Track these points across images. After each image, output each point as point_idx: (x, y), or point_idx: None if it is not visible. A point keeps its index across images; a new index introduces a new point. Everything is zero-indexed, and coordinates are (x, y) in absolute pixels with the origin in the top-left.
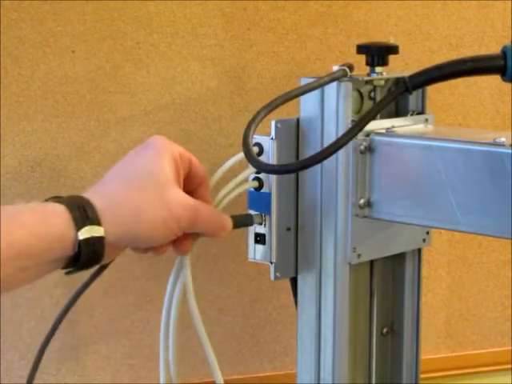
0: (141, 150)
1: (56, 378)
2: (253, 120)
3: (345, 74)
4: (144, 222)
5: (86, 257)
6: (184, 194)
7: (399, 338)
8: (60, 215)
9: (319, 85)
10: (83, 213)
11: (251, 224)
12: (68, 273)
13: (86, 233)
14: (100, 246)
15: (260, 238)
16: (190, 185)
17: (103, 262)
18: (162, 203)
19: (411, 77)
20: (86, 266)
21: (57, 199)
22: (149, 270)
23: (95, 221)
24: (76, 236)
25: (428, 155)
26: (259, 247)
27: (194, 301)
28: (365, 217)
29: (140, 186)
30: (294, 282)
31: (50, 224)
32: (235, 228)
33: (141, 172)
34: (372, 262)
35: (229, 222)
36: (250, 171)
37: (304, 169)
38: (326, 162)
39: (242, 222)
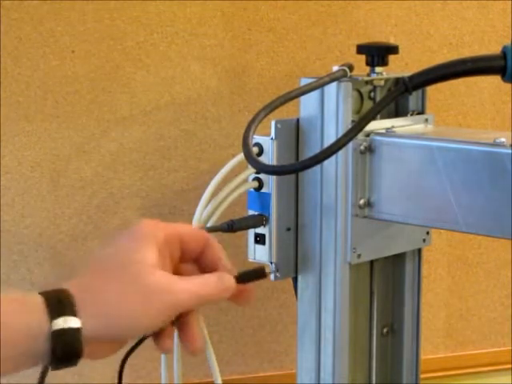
0: (123, 238)
1: (56, 378)
2: (253, 120)
3: (345, 74)
4: (124, 313)
5: (61, 349)
6: (169, 278)
7: (399, 338)
8: (36, 306)
9: (319, 85)
10: (59, 304)
11: (264, 276)
12: (53, 369)
13: (59, 324)
14: (76, 338)
15: (260, 238)
16: (189, 258)
17: (94, 358)
18: (141, 293)
19: (411, 77)
20: (63, 360)
21: (41, 292)
22: None
23: (71, 312)
24: (50, 328)
25: (428, 155)
26: (259, 247)
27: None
28: (365, 217)
29: (119, 276)
30: (296, 281)
31: (23, 315)
32: (244, 283)
33: (120, 262)
34: (372, 262)
35: (230, 284)
36: (250, 171)
37: (304, 169)
38: (325, 163)
39: (252, 276)
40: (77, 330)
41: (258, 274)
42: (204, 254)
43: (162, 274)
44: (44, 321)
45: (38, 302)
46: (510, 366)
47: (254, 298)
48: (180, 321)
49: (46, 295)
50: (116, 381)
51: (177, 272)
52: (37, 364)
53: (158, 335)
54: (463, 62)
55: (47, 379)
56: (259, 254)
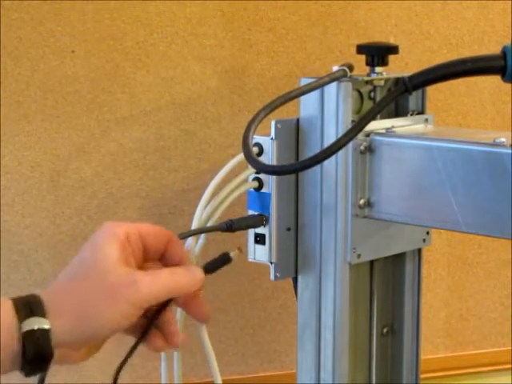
0: (88, 242)
1: (56, 378)
2: (253, 120)
3: (345, 74)
4: (91, 313)
5: (32, 350)
6: (132, 273)
7: (399, 338)
8: (6, 309)
9: (319, 85)
10: (28, 307)
11: (230, 261)
12: (26, 374)
13: (29, 325)
14: (46, 338)
15: (260, 238)
16: (153, 256)
17: (69, 362)
18: (105, 291)
19: (411, 77)
20: (34, 361)
21: (12, 297)
22: None
23: (40, 314)
24: (19, 329)
25: (428, 155)
26: (259, 247)
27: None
28: (365, 217)
29: (84, 278)
30: (296, 281)
31: None
32: (212, 273)
33: (85, 264)
34: (372, 262)
35: (199, 274)
36: (250, 171)
37: (304, 169)
38: (325, 163)
39: (218, 263)
40: (46, 331)
41: (223, 260)
42: (167, 251)
43: (125, 270)
44: (14, 323)
45: (8, 305)
46: (509, 366)
47: (209, 315)
48: (158, 317)
49: (15, 300)
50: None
51: (142, 270)
52: (12, 368)
53: (146, 337)
54: (463, 61)
55: (47, 379)
56: (259, 254)
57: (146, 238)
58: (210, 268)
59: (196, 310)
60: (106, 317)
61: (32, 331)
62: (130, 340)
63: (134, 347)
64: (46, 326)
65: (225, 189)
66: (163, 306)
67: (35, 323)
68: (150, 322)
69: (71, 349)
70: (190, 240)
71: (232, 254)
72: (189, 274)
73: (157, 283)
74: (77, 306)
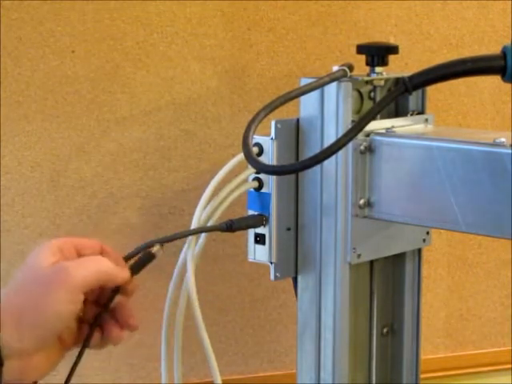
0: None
1: (56, 378)
2: (253, 120)
3: (345, 74)
4: (33, 310)
5: None
6: (59, 262)
7: (399, 338)
8: None
9: (319, 85)
10: None
11: (153, 257)
12: None
13: None
14: None
15: (260, 238)
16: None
17: (29, 379)
18: (40, 285)
19: (411, 77)
20: None
21: None
22: (149, 270)
23: None
24: None
25: (428, 155)
26: (259, 247)
27: (196, 302)
28: (365, 217)
29: (21, 284)
30: (296, 281)
31: None
32: (138, 273)
33: (21, 275)
34: (372, 262)
35: (124, 268)
36: (250, 171)
37: (304, 169)
38: (325, 163)
39: (142, 263)
40: None
41: (146, 258)
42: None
43: (54, 263)
44: None
45: None
46: (509, 366)
47: (137, 325)
48: (112, 307)
49: None
50: (116, 381)
51: None
52: None
53: (103, 329)
54: (463, 61)
55: (47, 379)
56: (259, 254)
57: (81, 250)
58: (135, 268)
59: (124, 316)
60: (47, 309)
61: None
62: (130, 340)
63: (87, 339)
64: None
65: (225, 189)
66: (104, 306)
67: None
68: (97, 317)
69: (28, 354)
70: (190, 240)
71: (154, 250)
72: (115, 263)
73: (85, 266)
74: (18, 310)
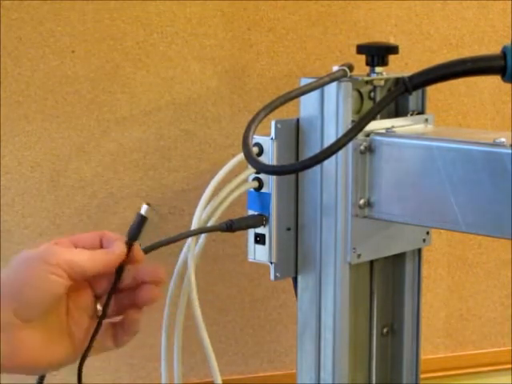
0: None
1: (56, 378)
2: (253, 120)
3: (345, 74)
4: (20, 282)
5: None
6: (48, 244)
7: (399, 338)
8: None
9: (319, 85)
10: None
11: (145, 219)
12: None
13: None
14: None
15: (260, 238)
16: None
17: (31, 355)
18: (28, 262)
19: (411, 77)
20: None
21: None
22: None
23: None
24: None
25: (428, 155)
26: (259, 247)
27: (196, 302)
28: (365, 217)
29: (13, 269)
30: (296, 281)
31: None
32: (137, 238)
33: (15, 263)
34: (372, 262)
35: (116, 249)
36: (250, 171)
37: (304, 169)
38: (325, 163)
39: (135, 227)
40: None
41: (138, 221)
42: (104, 245)
43: (41, 249)
44: None
45: None
46: (510, 366)
47: (162, 276)
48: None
49: None
50: (116, 381)
51: None
52: None
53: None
54: (463, 61)
55: (47, 379)
56: (259, 254)
57: (78, 243)
58: (132, 235)
59: (147, 274)
60: (29, 280)
61: None
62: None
63: (99, 324)
64: None
65: (225, 189)
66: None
67: None
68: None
69: (12, 327)
70: (190, 240)
71: (143, 211)
72: (107, 250)
73: (72, 251)
74: (4, 288)
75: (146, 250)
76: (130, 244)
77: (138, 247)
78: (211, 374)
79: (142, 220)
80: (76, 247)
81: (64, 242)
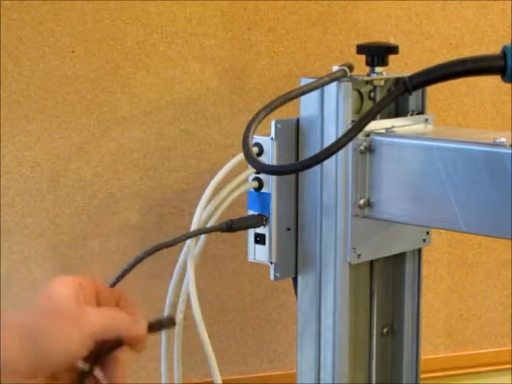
0: (40, 293)
1: None
2: (253, 120)
3: (345, 74)
4: (41, 336)
5: None
6: (81, 305)
7: (399, 338)
8: None
9: (319, 85)
10: None
11: (174, 325)
12: None
13: None
14: None
15: (260, 238)
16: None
17: None
18: (57, 317)
19: (411, 77)
20: None
21: None
22: (149, 270)
23: None
24: None
25: (428, 155)
26: (259, 247)
27: (197, 302)
28: (365, 217)
29: (37, 312)
30: (296, 281)
31: None
32: (153, 332)
33: (39, 305)
34: (372, 262)
35: (142, 322)
36: (250, 171)
37: (304, 169)
38: (325, 162)
39: (163, 325)
40: None
41: (167, 323)
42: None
43: (76, 304)
44: None
45: None
46: (510, 366)
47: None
48: (106, 358)
49: None
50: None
51: None
52: None
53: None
54: (463, 61)
55: None
56: (259, 254)
57: (99, 295)
58: (153, 327)
59: (113, 371)
60: (57, 340)
61: None
62: None
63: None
64: None
65: (225, 189)
66: (108, 349)
67: None
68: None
69: (20, 377)
70: (190, 240)
71: (177, 319)
72: (133, 317)
73: (104, 314)
74: (29, 331)
75: (150, 253)
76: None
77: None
78: (211, 374)
79: (170, 324)
80: (97, 299)
81: (88, 285)
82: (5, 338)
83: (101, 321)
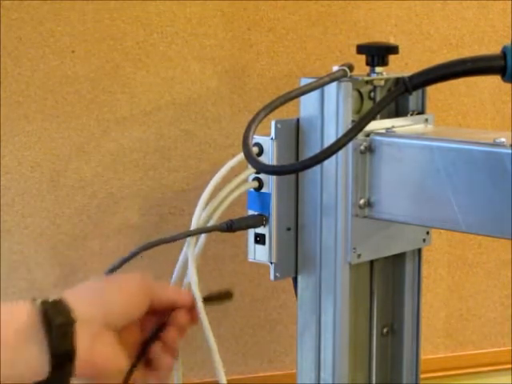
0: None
1: None
2: (253, 120)
3: (345, 74)
4: (105, 292)
5: (53, 317)
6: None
7: (399, 338)
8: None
9: (319, 85)
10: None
11: (229, 298)
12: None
13: (43, 302)
14: (63, 307)
15: (260, 238)
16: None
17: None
18: (119, 281)
19: (411, 77)
20: (58, 346)
21: None
22: (149, 270)
23: (56, 299)
24: (36, 304)
25: (428, 155)
26: (259, 247)
27: (200, 301)
28: (365, 217)
29: (105, 280)
30: (296, 281)
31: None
32: (210, 304)
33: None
34: (372, 262)
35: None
36: (250, 171)
37: (304, 169)
38: (326, 162)
39: (216, 298)
40: (60, 302)
41: (223, 295)
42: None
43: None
44: (31, 305)
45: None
46: (510, 366)
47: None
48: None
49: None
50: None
51: None
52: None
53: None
54: (463, 61)
55: None
56: (259, 254)
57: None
58: (208, 298)
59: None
60: (119, 293)
61: (54, 302)
62: None
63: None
64: (58, 297)
65: (225, 189)
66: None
67: (51, 302)
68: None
69: (91, 325)
70: (190, 240)
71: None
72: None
73: (159, 282)
74: (95, 286)
75: (146, 248)
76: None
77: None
78: (211, 373)
79: (227, 296)
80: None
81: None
82: (75, 293)
83: (157, 284)
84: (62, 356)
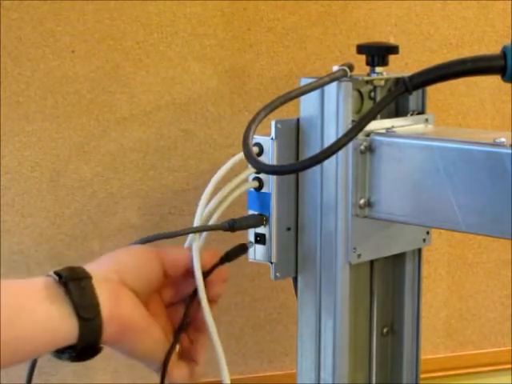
0: None
1: (56, 378)
2: (253, 120)
3: (345, 74)
4: (129, 253)
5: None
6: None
7: (399, 338)
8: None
9: (319, 85)
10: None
11: (246, 250)
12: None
13: (55, 271)
14: (89, 284)
15: (260, 238)
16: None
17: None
18: (132, 247)
19: (411, 77)
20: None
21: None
22: None
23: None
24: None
25: (428, 155)
26: (259, 247)
27: (206, 302)
28: (365, 217)
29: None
30: (296, 281)
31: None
32: (228, 260)
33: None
34: (372, 262)
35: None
36: (250, 171)
37: (304, 169)
38: (326, 162)
39: (234, 252)
40: (85, 272)
41: (240, 250)
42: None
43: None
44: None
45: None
46: (510, 366)
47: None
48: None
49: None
50: (116, 381)
51: None
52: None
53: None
54: (463, 61)
55: (47, 379)
56: (259, 254)
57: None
58: (227, 256)
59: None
60: (136, 259)
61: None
62: None
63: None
64: (87, 275)
65: (225, 188)
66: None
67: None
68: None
69: (115, 284)
70: (193, 237)
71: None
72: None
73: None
74: (114, 254)
75: (145, 242)
76: (223, 261)
77: (226, 268)
78: (211, 373)
79: (243, 250)
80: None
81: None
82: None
83: (168, 247)
84: (86, 309)
